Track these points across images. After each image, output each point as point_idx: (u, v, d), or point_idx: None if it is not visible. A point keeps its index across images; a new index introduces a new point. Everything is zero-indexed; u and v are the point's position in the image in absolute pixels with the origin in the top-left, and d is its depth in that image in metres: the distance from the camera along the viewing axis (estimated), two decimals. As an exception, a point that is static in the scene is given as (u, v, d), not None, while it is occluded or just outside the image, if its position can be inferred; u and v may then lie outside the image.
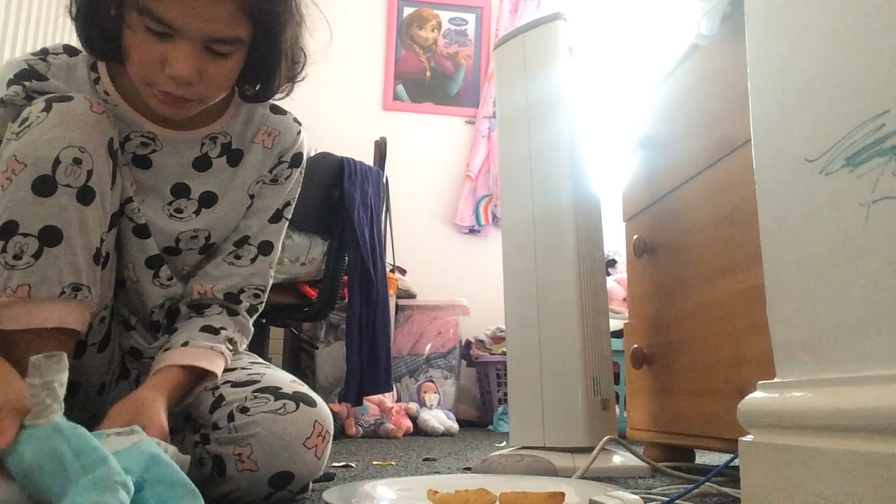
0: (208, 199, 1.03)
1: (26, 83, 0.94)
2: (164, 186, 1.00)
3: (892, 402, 0.49)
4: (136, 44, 0.85)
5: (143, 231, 0.99)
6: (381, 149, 2.42)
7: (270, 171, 1.06)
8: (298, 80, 1.00)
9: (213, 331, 0.99)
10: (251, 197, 1.06)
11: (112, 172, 0.91)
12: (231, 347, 1.01)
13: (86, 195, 0.86)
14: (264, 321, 2.26)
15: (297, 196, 1.11)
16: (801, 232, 0.61)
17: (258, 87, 0.99)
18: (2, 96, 0.94)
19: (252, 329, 1.08)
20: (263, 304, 1.09)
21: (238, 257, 1.05)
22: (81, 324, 0.88)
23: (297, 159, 1.08)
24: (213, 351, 0.97)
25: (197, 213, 1.02)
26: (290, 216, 1.11)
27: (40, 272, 0.84)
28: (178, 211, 1.01)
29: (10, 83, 0.94)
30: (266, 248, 1.07)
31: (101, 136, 0.88)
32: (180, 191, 1.01)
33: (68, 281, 0.85)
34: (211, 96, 0.92)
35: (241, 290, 1.05)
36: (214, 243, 1.05)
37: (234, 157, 1.04)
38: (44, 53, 0.97)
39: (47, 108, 0.86)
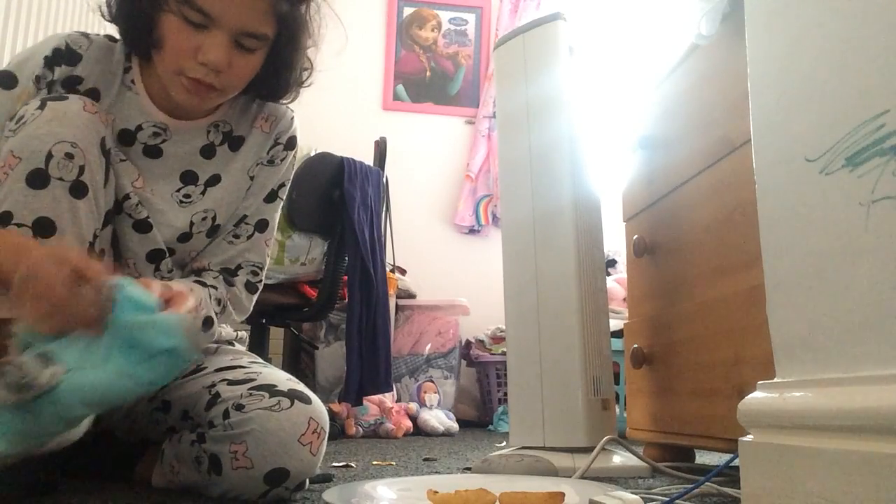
0: (213, 180, 1.08)
1: (56, 68, 0.97)
2: (174, 174, 1.05)
3: (892, 402, 0.49)
4: (173, 33, 0.91)
5: (143, 226, 1.01)
6: (381, 149, 2.42)
7: (268, 153, 1.12)
8: (305, 85, 1.08)
9: (201, 284, 1.04)
10: (251, 178, 1.11)
11: (105, 170, 0.94)
12: (217, 310, 1.05)
13: (78, 189, 0.89)
14: (264, 321, 2.26)
15: (290, 178, 1.17)
16: (801, 232, 0.61)
17: (271, 86, 1.06)
18: (37, 73, 0.97)
19: (248, 306, 1.12)
20: (262, 283, 1.14)
21: (236, 236, 1.11)
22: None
23: (291, 142, 1.14)
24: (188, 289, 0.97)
25: (203, 193, 1.07)
26: (284, 196, 1.16)
27: None
28: (187, 196, 1.06)
29: (46, 62, 0.97)
30: (262, 225, 1.13)
31: (93, 135, 0.91)
32: (188, 178, 1.06)
33: None
34: (232, 88, 0.98)
35: (238, 266, 1.10)
36: (219, 224, 1.09)
37: (235, 142, 1.10)
38: (86, 34, 1.02)
39: (42, 107, 0.90)
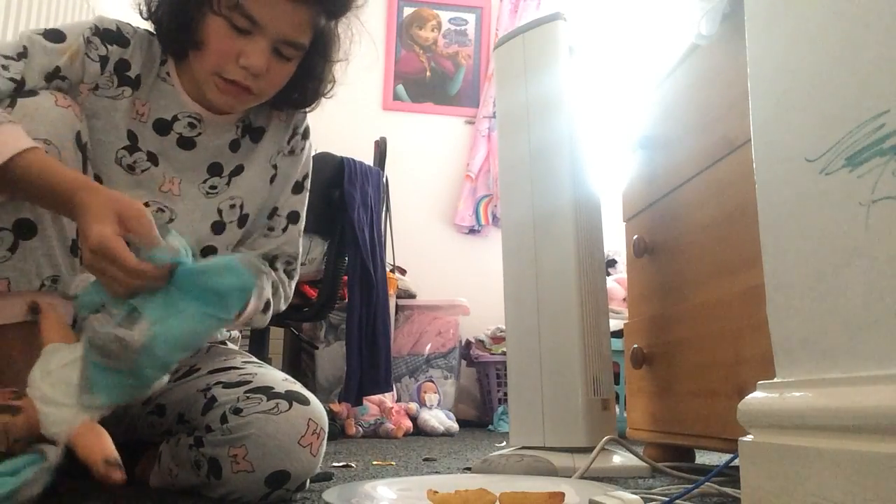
0: (237, 170, 1.10)
1: (109, 45, 0.98)
2: (202, 166, 1.07)
3: (892, 402, 0.49)
4: (217, 36, 0.93)
5: (163, 231, 1.00)
6: (381, 149, 2.42)
7: (288, 143, 1.14)
8: (328, 97, 1.13)
9: None
10: (274, 167, 1.13)
11: (83, 165, 0.92)
12: (271, 293, 1.08)
13: None
14: (264, 321, 2.26)
15: (311, 168, 1.20)
16: (801, 232, 0.61)
17: (297, 95, 1.08)
18: (86, 35, 0.97)
19: (290, 293, 1.15)
20: (297, 273, 1.17)
21: (271, 228, 1.14)
22: (65, 316, 0.87)
23: (307, 131, 1.18)
24: None
25: (228, 183, 1.09)
26: (309, 187, 1.19)
27: (18, 265, 0.85)
28: (213, 187, 1.08)
29: (96, 30, 0.98)
30: (294, 217, 1.16)
31: (67, 130, 0.90)
32: (215, 169, 1.08)
33: (47, 273, 0.86)
34: (266, 93, 1.00)
35: (275, 257, 1.13)
36: (248, 214, 1.10)
37: (256, 133, 1.12)
38: (130, 24, 1.03)
39: (12, 104, 0.87)
